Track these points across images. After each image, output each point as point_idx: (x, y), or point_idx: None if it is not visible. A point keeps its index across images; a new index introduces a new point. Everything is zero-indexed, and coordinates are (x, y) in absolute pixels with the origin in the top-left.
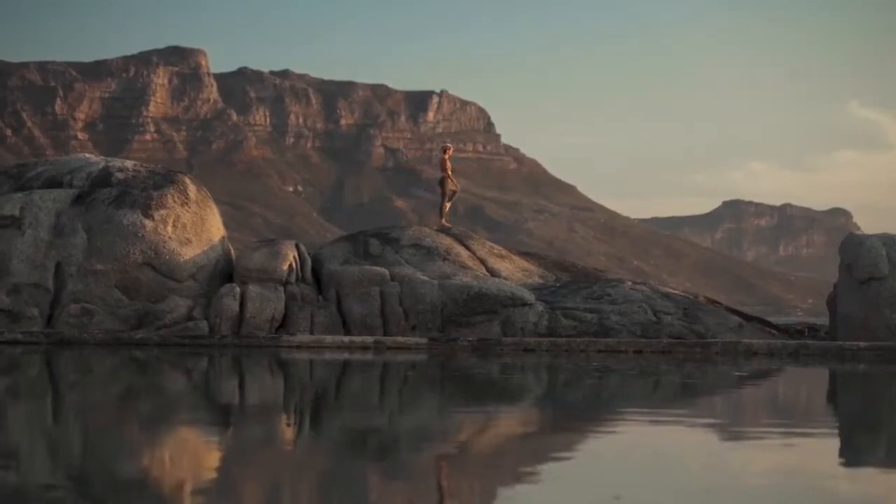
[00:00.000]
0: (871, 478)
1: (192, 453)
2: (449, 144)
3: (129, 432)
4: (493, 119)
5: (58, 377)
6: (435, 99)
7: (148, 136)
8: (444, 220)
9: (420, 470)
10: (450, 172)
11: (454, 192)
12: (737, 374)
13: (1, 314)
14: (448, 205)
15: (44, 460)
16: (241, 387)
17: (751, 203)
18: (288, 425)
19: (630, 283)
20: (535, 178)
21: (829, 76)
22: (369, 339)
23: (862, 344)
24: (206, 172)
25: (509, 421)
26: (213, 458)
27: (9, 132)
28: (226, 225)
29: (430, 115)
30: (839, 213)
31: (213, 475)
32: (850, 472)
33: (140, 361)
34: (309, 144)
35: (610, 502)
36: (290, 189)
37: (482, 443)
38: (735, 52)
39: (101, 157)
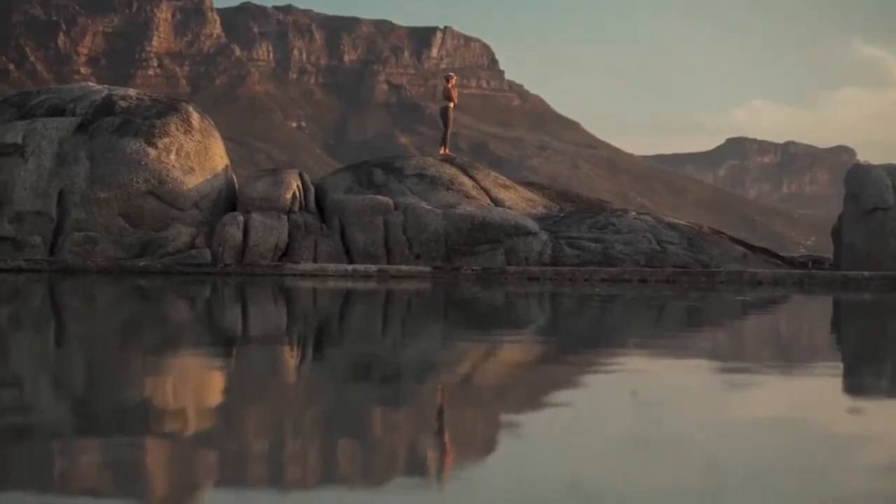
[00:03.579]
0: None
1: (195, 380)
2: (452, 74)
3: (132, 359)
4: (497, 56)
5: (61, 305)
6: (439, 35)
7: (151, 71)
8: (446, 149)
9: (422, 397)
10: (456, 101)
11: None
12: (740, 298)
13: (4, 242)
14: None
15: (47, 387)
16: (245, 314)
17: (754, 140)
18: (290, 353)
19: (634, 213)
20: (539, 115)
21: (831, 13)
22: (372, 268)
23: (867, 273)
24: (209, 108)
25: (514, 349)
26: (214, 385)
27: (12, 67)
28: (229, 161)
29: (434, 52)
30: (843, 151)
31: (214, 402)
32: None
33: (143, 289)
34: (312, 80)
35: (627, 398)
36: (294, 125)
37: (486, 370)
38: None
39: (104, 85)
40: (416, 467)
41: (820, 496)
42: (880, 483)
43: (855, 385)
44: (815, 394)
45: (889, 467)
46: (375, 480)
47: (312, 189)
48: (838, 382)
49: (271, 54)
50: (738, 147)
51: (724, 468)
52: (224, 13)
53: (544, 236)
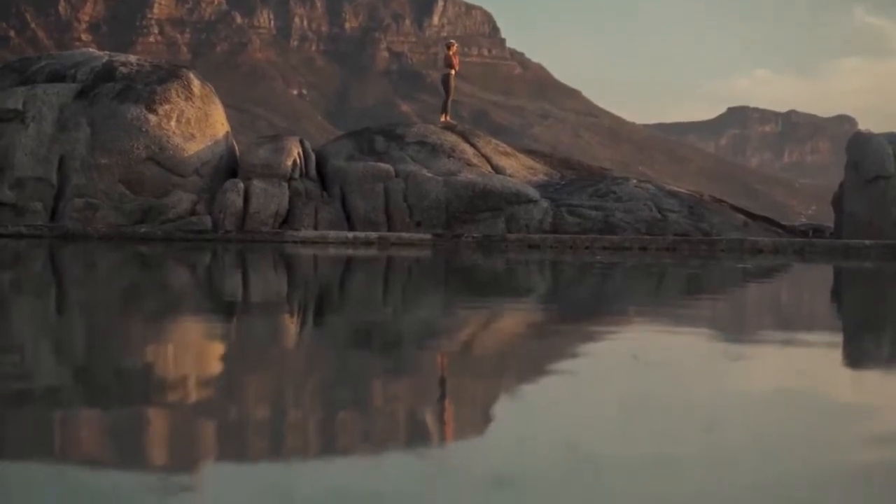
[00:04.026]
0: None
1: (195, 346)
2: (453, 41)
3: (133, 325)
4: (499, 24)
5: (62, 271)
6: (440, 3)
7: (152, 39)
8: (447, 117)
9: (422, 364)
10: (457, 69)
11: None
12: (740, 266)
13: (5, 208)
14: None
15: (48, 353)
16: (245, 281)
17: (756, 109)
18: (291, 320)
19: (635, 181)
20: (541, 83)
21: None
22: (373, 235)
23: (868, 242)
24: (210, 75)
25: (515, 316)
26: (215, 352)
27: (12, 33)
28: (230, 128)
29: (435, 19)
30: (844, 120)
31: (214, 369)
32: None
33: (144, 255)
34: (313, 48)
35: (628, 361)
36: (295, 92)
37: (487, 337)
38: None
39: (105, 51)
40: (415, 434)
41: (822, 464)
42: (882, 452)
43: (855, 354)
44: (816, 362)
45: (891, 437)
46: (374, 447)
47: (313, 156)
48: (839, 350)
49: (272, 21)
50: (739, 116)
51: (724, 436)
52: None
53: (545, 204)
